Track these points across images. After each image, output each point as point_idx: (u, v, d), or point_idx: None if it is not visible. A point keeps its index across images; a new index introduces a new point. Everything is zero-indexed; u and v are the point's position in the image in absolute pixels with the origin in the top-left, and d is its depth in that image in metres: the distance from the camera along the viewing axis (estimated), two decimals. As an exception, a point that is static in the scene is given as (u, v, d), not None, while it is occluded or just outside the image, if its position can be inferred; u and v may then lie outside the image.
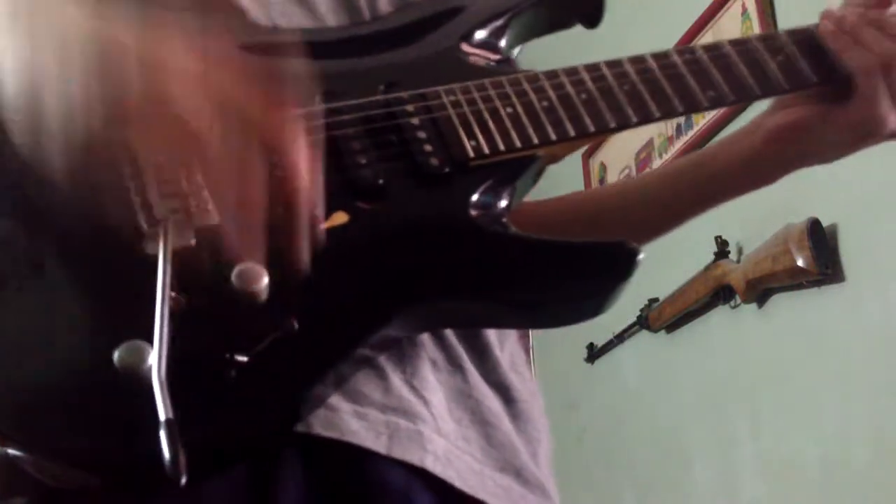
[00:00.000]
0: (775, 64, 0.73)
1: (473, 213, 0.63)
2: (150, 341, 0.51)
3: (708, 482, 2.74)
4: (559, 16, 0.80)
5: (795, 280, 2.36)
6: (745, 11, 2.75)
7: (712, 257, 2.66)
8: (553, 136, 0.66)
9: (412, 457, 0.61)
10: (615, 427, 3.29)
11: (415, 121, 0.65)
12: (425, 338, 0.66)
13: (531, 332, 3.90)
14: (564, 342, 3.57)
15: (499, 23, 0.74)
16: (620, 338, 3.21)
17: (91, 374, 0.54)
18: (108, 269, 0.57)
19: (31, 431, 0.52)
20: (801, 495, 2.36)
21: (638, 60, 0.72)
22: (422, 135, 0.64)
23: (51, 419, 0.53)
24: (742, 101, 0.73)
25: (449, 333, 0.68)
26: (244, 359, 0.54)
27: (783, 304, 2.49)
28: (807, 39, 0.76)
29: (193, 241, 0.55)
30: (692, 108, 0.71)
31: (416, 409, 0.63)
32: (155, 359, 0.50)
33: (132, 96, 0.53)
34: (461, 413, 0.67)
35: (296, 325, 0.56)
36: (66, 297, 0.56)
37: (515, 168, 0.66)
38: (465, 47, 0.72)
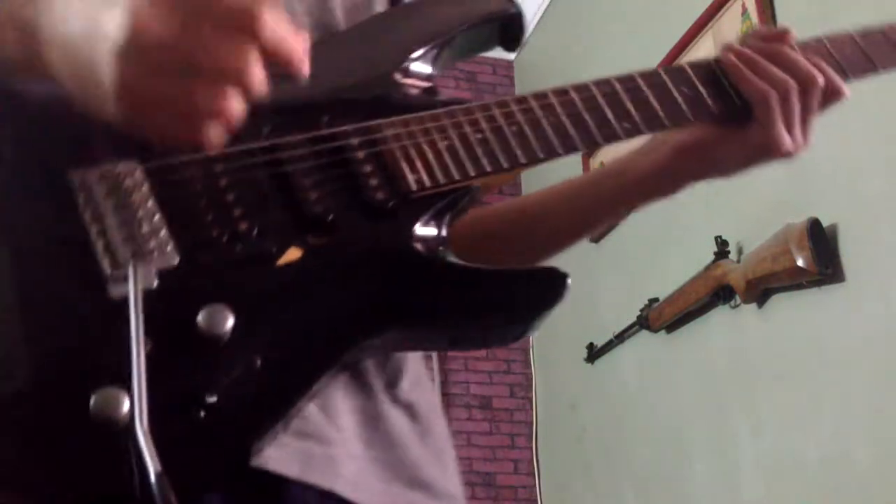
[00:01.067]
0: (682, 97, 0.80)
1: (416, 244, 0.67)
2: (124, 387, 0.52)
3: (708, 482, 2.74)
4: (483, 41, 0.84)
5: (795, 280, 2.36)
6: (745, 11, 2.75)
7: (712, 257, 2.67)
8: (488, 168, 0.70)
9: (324, 481, 0.65)
10: (615, 427, 3.29)
11: (360, 154, 0.68)
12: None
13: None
14: (564, 342, 3.57)
15: (432, 50, 0.78)
16: (620, 338, 3.21)
17: (67, 421, 0.54)
18: (74, 313, 0.58)
19: (6, 479, 0.53)
20: (801, 495, 2.36)
21: (561, 93, 0.77)
22: (367, 168, 0.67)
23: (26, 466, 0.54)
24: (653, 131, 0.79)
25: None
26: (213, 399, 0.56)
27: (783, 304, 2.49)
28: (711, 72, 0.83)
29: (156, 284, 0.57)
30: (610, 138, 0.76)
31: (329, 435, 0.67)
32: (137, 411, 0.51)
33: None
34: (370, 434, 0.71)
35: (258, 363, 0.59)
36: (34, 341, 0.57)
37: (454, 198, 0.70)
38: (399, 77, 0.75)
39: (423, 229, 0.68)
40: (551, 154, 0.73)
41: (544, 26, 4.11)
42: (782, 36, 0.84)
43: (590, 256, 3.49)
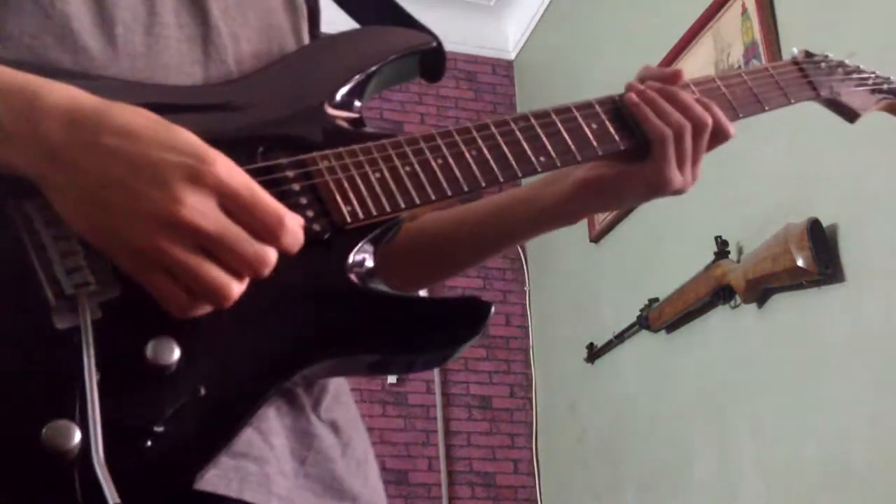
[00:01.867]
0: (590, 132, 0.84)
1: (350, 273, 0.70)
2: (74, 419, 0.54)
3: (708, 482, 2.74)
4: (407, 73, 0.88)
5: (795, 280, 2.36)
6: (745, 11, 2.75)
7: (712, 257, 2.67)
8: (417, 201, 0.74)
9: (259, 498, 0.67)
10: (615, 427, 3.29)
11: (296, 187, 0.70)
12: None
13: (531, 332, 3.90)
14: (564, 342, 3.57)
15: (359, 82, 0.81)
16: (620, 338, 3.21)
17: (18, 453, 0.55)
18: (18, 343, 0.59)
19: None
20: (801, 495, 2.36)
21: (483, 128, 0.80)
22: (303, 200, 0.69)
23: None
24: (567, 164, 0.83)
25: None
26: (160, 428, 0.58)
27: (783, 304, 2.49)
28: (615, 108, 0.87)
29: (100, 314, 0.59)
30: (528, 172, 0.81)
31: (262, 454, 0.70)
32: (94, 444, 0.53)
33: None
34: (302, 451, 0.74)
35: (203, 392, 0.61)
36: None
37: (384, 228, 0.74)
38: (329, 109, 0.78)
39: (355, 258, 0.71)
40: (475, 186, 0.77)
41: (544, 26, 4.11)
42: (676, 76, 0.90)
43: (590, 256, 3.50)
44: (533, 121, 0.83)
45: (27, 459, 0.55)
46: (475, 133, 0.79)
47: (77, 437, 0.54)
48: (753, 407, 2.57)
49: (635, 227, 3.23)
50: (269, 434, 0.71)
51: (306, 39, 0.89)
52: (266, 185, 0.66)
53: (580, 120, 0.85)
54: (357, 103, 0.81)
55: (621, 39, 3.44)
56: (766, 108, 0.96)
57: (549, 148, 0.82)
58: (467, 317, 0.72)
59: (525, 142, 0.81)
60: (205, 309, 0.61)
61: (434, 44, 0.86)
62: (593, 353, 3.38)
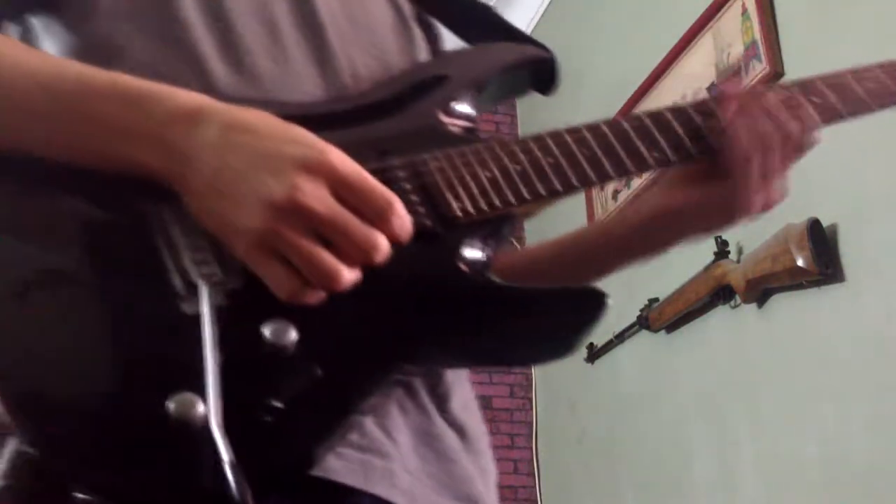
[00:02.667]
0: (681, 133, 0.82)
1: (462, 265, 0.72)
2: (198, 392, 0.59)
3: (708, 482, 2.74)
4: (520, 85, 0.92)
5: (795, 280, 2.36)
6: (745, 11, 2.75)
7: (712, 257, 2.67)
8: (527, 196, 0.75)
9: (383, 491, 0.71)
10: (615, 427, 3.29)
11: (407, 185, 0.73)
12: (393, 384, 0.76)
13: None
14: (564, 342, 3.56)
15: (473, 94, 0.84)
16: (620, 338, 3.21)
17: (146, 425, 0.60)
18: (151, 329, 0.64)
19: (93, 475, 0.59)
20: (801, 495, 2.36)
21: (594, 127, 0.81)
22: (414, 198, 0.72)
23: (110, 465, 0.60)
24: (680, 161, 0.81)
25: (414, 380, 0.79)
26: (279, 405, 0.62)
27: (783, 304, 2.49)
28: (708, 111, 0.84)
29: (225, 302, 0.64)
30: (641, 167, 0.80)
31: (386, 449, 0.73)
32: (212, 408, 0.58)
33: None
34: (425, 450, 0.77)
35: (319, 373, 0.64)
36: (108, 352, 0.64)
37: (495, 224, 0.75)
38: (443, 117, 0.81)
39: (468, 253, 0.73)
40: (585, 182, 0.78)
41: (544, 26, 4.11)
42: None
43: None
44: (640, 121, 0.82)
45: (154, 427, 0.59)
46: (585, 133, 0.80)
47: (200, 407, 0.58)
48: (753, 407, 2.57)
49: (635, 227, 3.22)
50: (392, 431, 0.74)
51: (419, 59, 0.92)
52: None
53: (673, 122, 0.83)
54: (471, 112, 0.83)
55: (621, 39, 3.44)
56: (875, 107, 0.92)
57: (663, 143, 0.81)
58: (582, 305, 0.74)
59: (633, 139, 0.80)
60: (315, 296, 0.64)
61: (546, 55, 0.90)
62: (593, 353, 3.38)
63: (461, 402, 0.82)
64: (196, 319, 0.62)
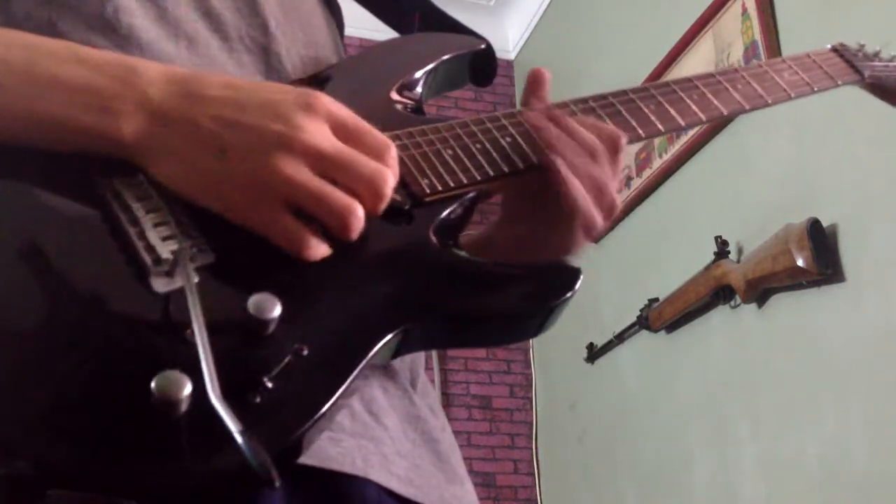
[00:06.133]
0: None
1: (434, 240, 0.72)
2: (184, 370, 0.54)
3: (708, 482, 2.74)
4: (458, 76, 0.92)
5: (795, 280, 2.36)
6: (745, 11, 2.76)
7: (712, 257, 2.67)
8: (491, 173, 0.76)
9: (380, 477, 0.69)
10: (615, 427, 3.29)
11: None
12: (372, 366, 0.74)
13: (531, 332, 3.90)
14: (564, 342, 3.57)
15: (419, 78, 0.85)
16: (620, 338, 3.21)
17: (130, 408, 0.56)
18: (120, 311, 0.60)
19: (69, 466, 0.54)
20: (801, 495, 2.36)
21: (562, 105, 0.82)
22: None
23: (89, 450, 0.55)
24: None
25: (393, 361, 0.76)
26: (269, 384, 0.59)
27: (783, 304, 2.49)
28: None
29: (197, 279, 0.60)
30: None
31: (378, 434, 0.71)
32: (208, 381, 0.54)
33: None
34: (413, 434, 0.76)
35: (305, 351, 0.61)
36: (91, 337, 0.59)
37: (459, 202, 0.75)
38: (394, 95, 0.82)
39: (438, 228, 0.72)
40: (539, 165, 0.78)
41: (544, 26, 4.11)
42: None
43: (590, 256, 3.50)
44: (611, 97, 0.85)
45: (138, 411, 0.54)
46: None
47: (188, 386, 0.54)
48: (753, 407, 2.57)
49: (635, 227, 3.23)
50: (380, 415, 0.73)
51: (343, 52, 0.92)
52: None
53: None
54: (420, 98, 0.84)
55: (621, 39, 3.44)
56: (815, 88, 0.96)
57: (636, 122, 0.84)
58: (556, 278, 0.74)
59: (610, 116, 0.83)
60: (325, 250, 0.63)
61: (483, 46, 0.89)
62: (593, 353, 3.38)
63: (423, 381, 0.82)
64: (168, 298, 0.59)
